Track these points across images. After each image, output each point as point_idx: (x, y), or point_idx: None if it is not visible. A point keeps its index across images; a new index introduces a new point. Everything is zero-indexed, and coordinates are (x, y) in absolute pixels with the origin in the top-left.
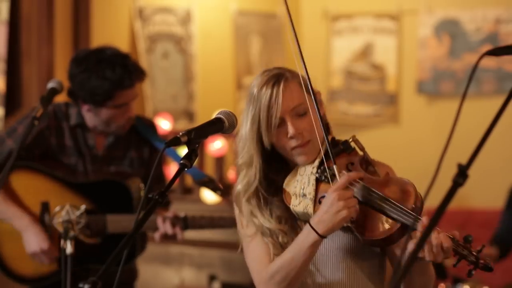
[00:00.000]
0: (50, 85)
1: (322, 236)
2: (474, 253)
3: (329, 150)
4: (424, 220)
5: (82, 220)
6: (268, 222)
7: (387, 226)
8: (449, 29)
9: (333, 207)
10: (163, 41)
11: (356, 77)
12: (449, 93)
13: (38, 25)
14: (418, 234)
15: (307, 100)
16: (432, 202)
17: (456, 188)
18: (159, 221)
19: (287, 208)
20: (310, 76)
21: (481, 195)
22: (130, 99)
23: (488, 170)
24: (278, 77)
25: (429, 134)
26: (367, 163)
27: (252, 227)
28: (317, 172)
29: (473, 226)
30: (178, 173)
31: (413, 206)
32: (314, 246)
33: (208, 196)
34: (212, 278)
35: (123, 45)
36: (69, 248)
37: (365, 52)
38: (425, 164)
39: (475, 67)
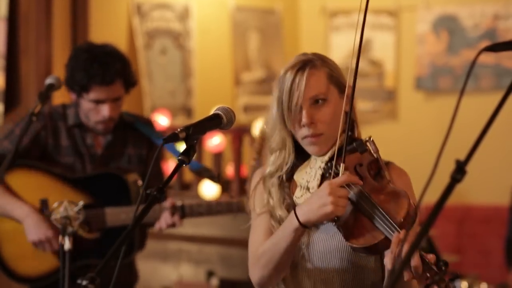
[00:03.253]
0: (48, 81)
1: (302, 225)
2: (446, 281)
3: (344, 147)
4: (401, 233)
5: (80, 216)
6: (279, 207)
7: (372, 235)
8: (447, 25)
9: (320, 200)
10: (161, 37)
11: None
12: (447, 89)
13: (36, 22)
14: (392, 246)
15: (333, 93)
16: (431, 198)
17: (454, 184)
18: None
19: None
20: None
21: (480, 191)
22: (107, 98)
23: (487, 166)
24: (305, 62)
25: (427, 130)
26: (377, 167)
27: (265, 207)
28: (324, 167)
29: (471, 222)
30: (177, 169)
31: (402, 220)
32: (296, 233)
33: (207, 191)
34: (210, 274)
35: (121, 41)
36: (67, 244)
37: (363, 48)
38: (424, 160)
39: (473, 63)
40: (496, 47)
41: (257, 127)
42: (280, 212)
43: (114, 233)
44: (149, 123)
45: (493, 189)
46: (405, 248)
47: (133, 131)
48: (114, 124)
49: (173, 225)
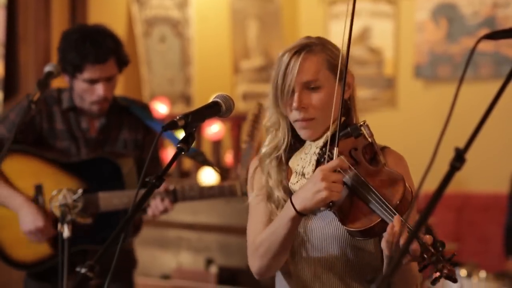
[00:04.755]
0: (47, 69)
1: (299, 213)
2: (443, 261)
3: (337, 133)
4: (396, 218)
5: (79, 204)
6: (277, 188)
7: (368, 218)
8: (446, 13)
9: (314, 186)
10: (160, 24)
11: (353, 61)
12: (446, 77)
13: (35, 9)
14: (388, 230)
15: (329, 79)
16: (430, 186)
17: (453, 172)
18: (151, 202)
19: None
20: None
21: (479, 179)
22: (100, 77)
23: (486, 154)
24: (304, 46)
25: (426, 118)
26: (372, 151)
27: (264, 189)
28: (319, 153)
29: (470, 210)
30: (176, 157)
31: (398, 202)
32: (293, 222)
33: (206, 179)
34: (209, 262)
35: (120, 29)
36: (66, 232)
37: (363, 36)
38: (423, 148)
39: (472, 51)
40: (495, 35)
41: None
42: (278, 193)
43: (106, 218)
44: (145, 108)
45: (492, 177)
46: (402, 232)
47: (128, 115)
48: (109, 105)
49: (165, 210)
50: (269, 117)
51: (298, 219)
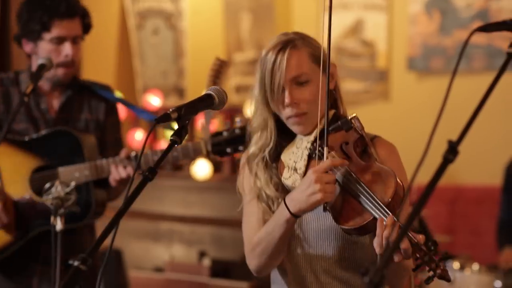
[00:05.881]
0: (40, 61)
1: (294, 215)
2: (435, 260)
3: (325, 128)
4: (388, 219)
5: (72, 196)
6: (267, 186)
7: (360, 216)
8: (439, 5)
9: (308, 189)
10: (153, 17)
11: (346, 54)
12: (440, 70)
13: None
14: (378, 230)
15: (316, 72)
16: (423, 178)
17: (446, 165)
18: (112, 167)
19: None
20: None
21: (472, 171)
22: (68, 34)
23: (479, 146)
24: (286, 43)
25: (419, 110)
26: (363, 143)
27: (253, 189)
28: (310, 148)
29: (463, 202)
30: (169, 149)
31: (390, 200)
32: (288, 223)
33: (199, 172)
34: (202, 254)
35: (113, 22)
36: (59, 225)
37: (356, 29)
38: (416, 141)
39: (465, 44)
40: (488, 28)
41: (248, 108)
42: (268, 191)
43: None
44: (108, 88)
45: (485, 170)
46: (393, 233)
47: (90, 95)
48: (70, 83)
49: (128, 177)
50: (255, 118)
51: (293, 221)
